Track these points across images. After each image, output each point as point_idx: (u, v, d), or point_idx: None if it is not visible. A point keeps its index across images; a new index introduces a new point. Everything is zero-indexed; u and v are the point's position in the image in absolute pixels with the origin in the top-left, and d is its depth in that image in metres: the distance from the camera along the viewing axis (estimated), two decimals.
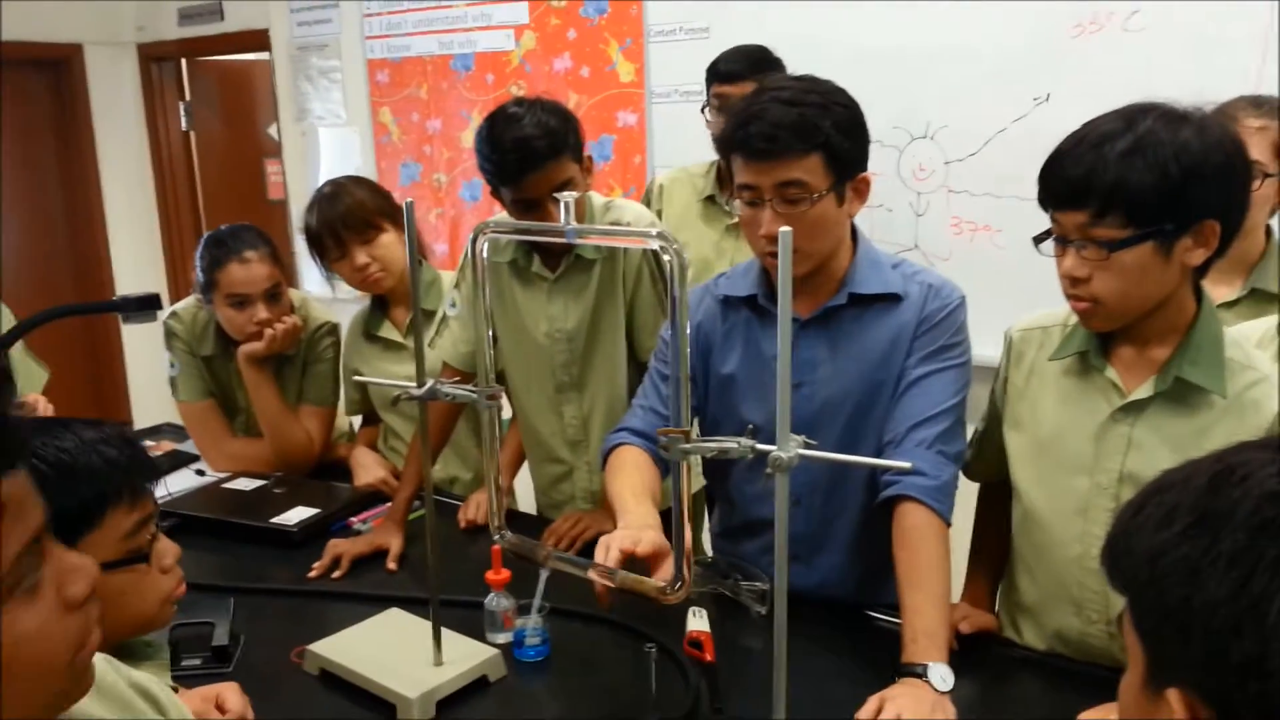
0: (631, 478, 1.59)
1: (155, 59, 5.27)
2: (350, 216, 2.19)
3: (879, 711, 1.30)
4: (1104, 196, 1.27)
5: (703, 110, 2.74)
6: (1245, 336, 1.61)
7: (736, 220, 2.40)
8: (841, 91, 1.54)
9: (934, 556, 1.47)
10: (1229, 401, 1.35)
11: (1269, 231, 1.91)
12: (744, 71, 2.54)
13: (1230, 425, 1.34)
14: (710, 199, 2.76)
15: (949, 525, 1.51)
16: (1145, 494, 0.68)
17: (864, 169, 1.56)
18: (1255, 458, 0.63)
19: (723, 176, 2.65)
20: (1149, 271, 1.30)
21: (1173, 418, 1.38)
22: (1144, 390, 1.39)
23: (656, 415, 1.70)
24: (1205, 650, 0.60)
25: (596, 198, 2.04)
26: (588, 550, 1.91)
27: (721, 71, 2.60)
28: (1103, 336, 1.43)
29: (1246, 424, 1.34)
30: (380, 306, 2.37)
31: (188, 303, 2.44)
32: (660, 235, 1.14)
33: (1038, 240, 1.39)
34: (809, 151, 1.48)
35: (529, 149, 1.79)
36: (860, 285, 1.59)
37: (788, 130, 1.47)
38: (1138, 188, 1.25)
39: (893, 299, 1.58)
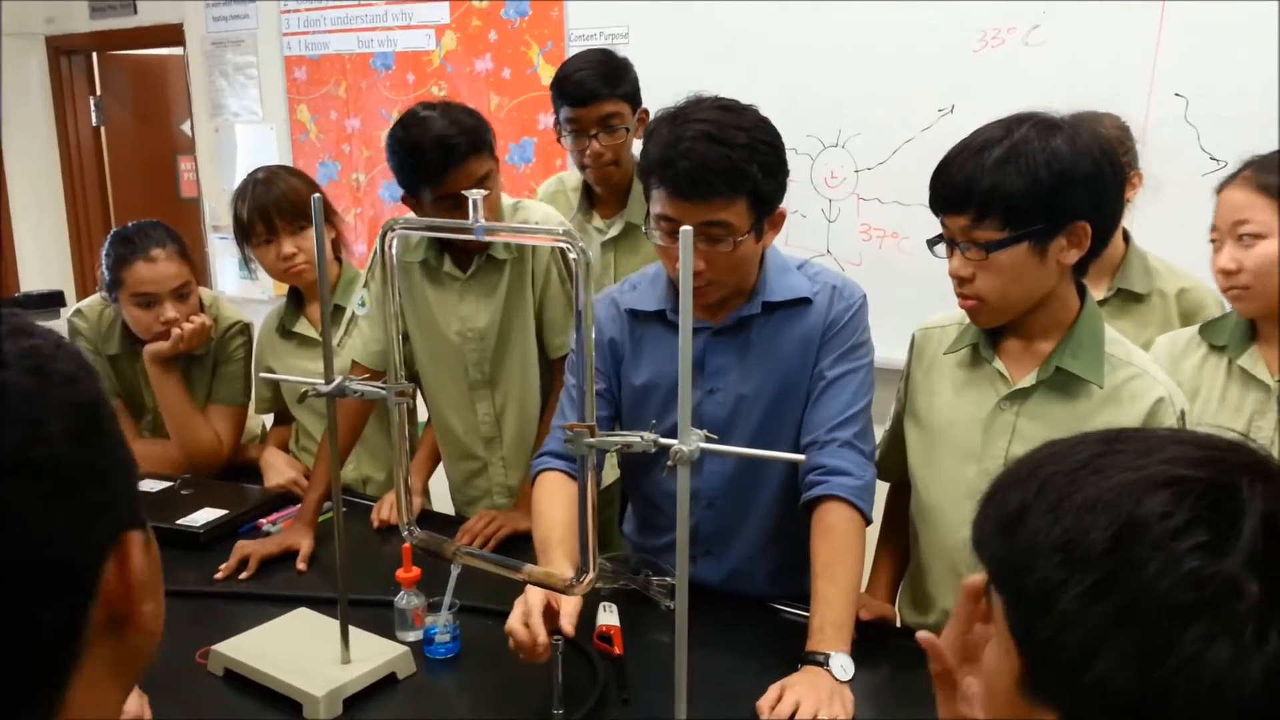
0: (553, 515, 1.60)
1: (65, 52, 5.12)
2: (283, 202, 2.16)
3: (779, 699, 1.34)
4: (982, 201, 1.35)
5: (559, 140, 2.38)
6: (1171, 342, 1.71)
7: (612, 237, 2.37)
8: (764, 125, 1.50)
9: (853, 553, 1.51)
10: (1107, 392, 1.43)
11: (1126, 236, 2.04)
12: (600, 90, 2.24)
13: (1108, 414, 1.41)
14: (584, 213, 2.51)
15: (869, 524, 1.56)
16: (996, 484, 0.72)
17: (781, 202, 1.55)
18: (1059, 449, 0.68)
19: (591, 194, 2.44)
20: (1026, 270, 1.38)
21: (1054, 405, 1.45)
22: (1028, 379, 1.46)
23: None
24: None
25: (505, 198, 2.05)
26: (502, 548, 1.93)
27: (572, 95, 2.25)
28: (992, 332, 1.50)
29: (1123, 412, 1.41)
30: (297, 302, 2.35)
31: (92, 300, 2.39)
32: (567, 234, 1.16)
33: (931, 243, 1.46)
34: (736, 196, 1.47)
35: (450, 145, 1.81)
36: (773, 293, 1.61)
37: (716, 174, 1.44)
38: (1011, 192, 1.33)
39: (803, 302, 1.62)
